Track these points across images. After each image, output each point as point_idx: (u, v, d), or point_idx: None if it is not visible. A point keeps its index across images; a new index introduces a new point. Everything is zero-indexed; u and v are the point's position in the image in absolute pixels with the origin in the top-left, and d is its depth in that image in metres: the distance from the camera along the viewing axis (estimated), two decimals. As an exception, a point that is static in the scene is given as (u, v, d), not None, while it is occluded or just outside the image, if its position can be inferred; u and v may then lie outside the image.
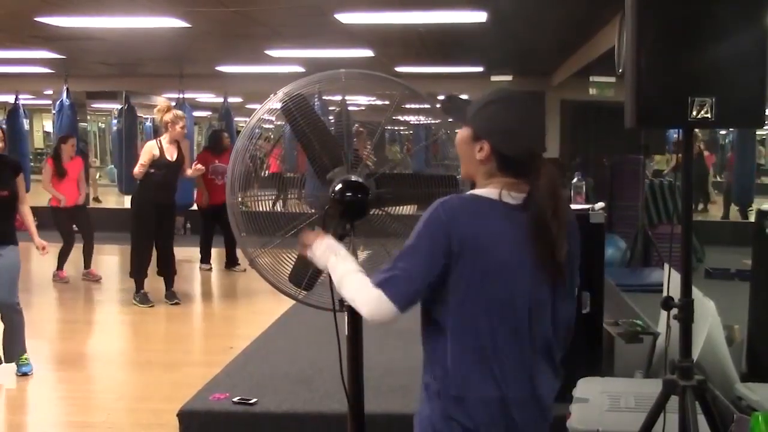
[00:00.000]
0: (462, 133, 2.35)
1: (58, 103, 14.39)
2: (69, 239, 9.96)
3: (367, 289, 2.26)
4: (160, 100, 19.83)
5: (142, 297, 8.59)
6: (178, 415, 4.70)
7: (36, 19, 8.13)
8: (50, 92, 15.72)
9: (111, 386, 6.13)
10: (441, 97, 2.62)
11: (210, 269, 11.14)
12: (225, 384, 5.14)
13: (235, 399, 4.78)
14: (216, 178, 10.39)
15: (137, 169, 8.16)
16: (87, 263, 10.14)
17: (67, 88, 14.23)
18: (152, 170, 8.13)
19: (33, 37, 9.60)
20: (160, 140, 8.29)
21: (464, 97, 2.61)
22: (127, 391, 5.99)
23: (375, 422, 3.66)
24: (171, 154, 8.25)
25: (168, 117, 8.22)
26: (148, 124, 22.57)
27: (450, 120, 3.25)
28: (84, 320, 8.42)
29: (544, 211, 2.19)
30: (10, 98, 15.95)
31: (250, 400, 4.75)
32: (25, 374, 6.17)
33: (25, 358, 6.22)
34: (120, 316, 8.40)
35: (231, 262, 10.97)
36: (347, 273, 2.39)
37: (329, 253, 2.52)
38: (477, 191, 2.31)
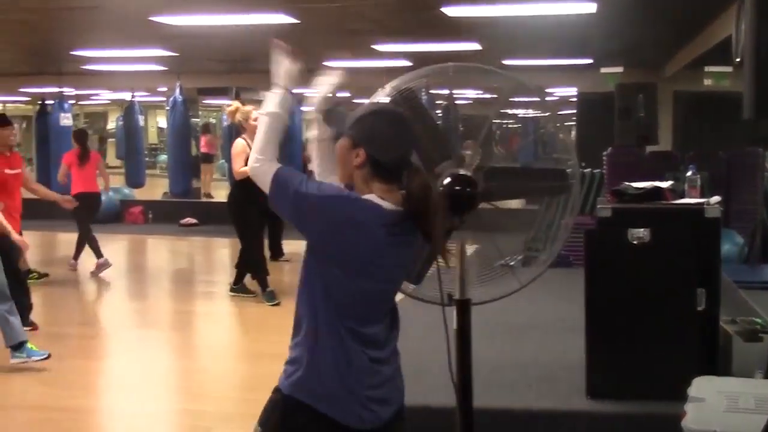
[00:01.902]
0: (342, 141, 2.57)
1: (171, 99, 14.78)
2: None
3: (269, 164, 2.53)
4: (244, 105, 20.18)
5: (269, 295, 8.37)
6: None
7: (150, 18, 8.36)
8: (164, 89, 16.16)
9: (223, 376, 6.27)
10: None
11: (287, 260, 11.13)
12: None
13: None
14: None
15: (242, 170, 7.81)
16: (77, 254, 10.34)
17: (180, 85, 14.61)
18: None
19: (148, 36, 9.88)
20: (245, 138, 8.27)
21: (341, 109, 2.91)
22: (238, 381, 6.11)
23: (483, 417, 3.64)
24: None
25: (239, 116, 8.21)
26: (258, 119, 23.00)
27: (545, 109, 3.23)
28: (197, 311, 8.63)
29: (423, 208, 2.43)
30: (127, 95, 16.50)
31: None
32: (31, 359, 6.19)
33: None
34: (232, 308, 8.58)
35: (276, 254, 10.94)
36: (268, 121, 2.63)
37: (276, 98, 2.69)
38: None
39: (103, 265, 10.17)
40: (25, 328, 7.06)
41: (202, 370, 6.49)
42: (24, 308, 7.11)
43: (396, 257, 2.55)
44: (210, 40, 10.22)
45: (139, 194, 16.01)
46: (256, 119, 8.02)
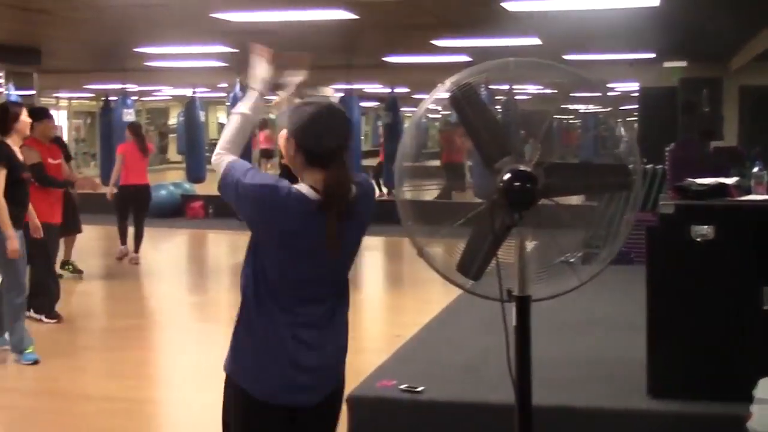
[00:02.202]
0: (282, 133, 2.79)
1: (231, 95, 14.93)
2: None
3: (227, 156, 2.76)
4: (329, 91, 20.25)
5: None
6: (346, 401, 4.77)
7: (211, 15, 8.45)
8: (224, 85, 16.33)
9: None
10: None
11: None
12: (392, 371, 5.19)
13: (402, 386, 4.82)
14: None
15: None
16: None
17: (240, 81, 14.74)
18: None
19: (209, 32, 9.99)
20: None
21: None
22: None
23: (542, 415, 3.62)
24: None
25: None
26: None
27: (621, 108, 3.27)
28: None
29: (328, 200, 2.61)
30: (188, 92, 16.70)
31: (417, 388, 4.79)
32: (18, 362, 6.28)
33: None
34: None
35: None
36: (236, 119, 2.87)
37: (249, 101, 2.93)
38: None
39: (122, 253, 10.67)
40: (50, 321, 7.39)
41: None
42: (51, 298, 7.41)
43: (324, 243, 2.64)
44: (270, 36, 10.30)
45: (199, 189, 16.19)
46: None
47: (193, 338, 7.48)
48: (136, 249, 10.70)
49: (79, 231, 9.43)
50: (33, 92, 13.63)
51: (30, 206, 6.39)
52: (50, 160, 7.29)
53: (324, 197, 2.62)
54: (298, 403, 2.76)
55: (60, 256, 8.60)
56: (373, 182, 17.05)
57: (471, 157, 15.04)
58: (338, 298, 2.86)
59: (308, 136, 2.70)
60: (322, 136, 2.69)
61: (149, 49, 11.99)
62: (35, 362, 6.23)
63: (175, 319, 8.32)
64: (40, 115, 7.45)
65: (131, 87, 16.21)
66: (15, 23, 9.56)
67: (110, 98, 16.29)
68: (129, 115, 14.93)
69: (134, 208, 10.65)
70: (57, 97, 25.53)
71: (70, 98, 26.34)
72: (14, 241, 5.98)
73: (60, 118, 26.98)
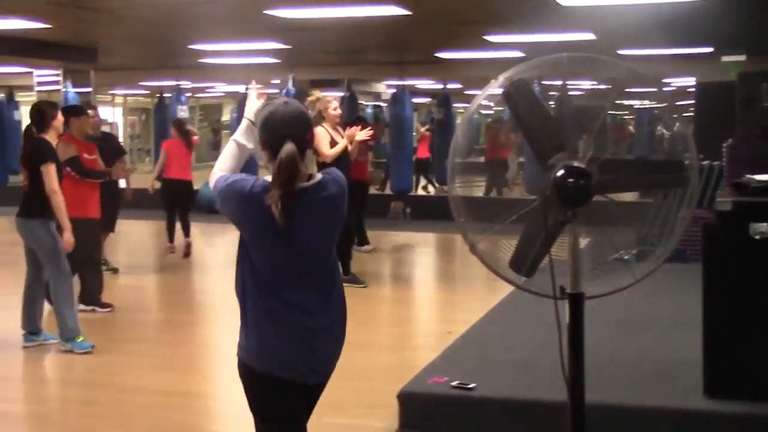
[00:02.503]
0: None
1: (284, 91, 15.01)
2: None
3: (218, 175, 3.00)
4: (382, 87, 20.29)
5: (352, 278, 8.70)
6: (398, 397, 4.79)
7: (265, 12, 8.51)
8: (277, 81, 16.43)
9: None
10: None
11: (371, 250, 11.28)
12: (443, 368, 5.18)
13: (453, 383, 4.81)
14: (358, 156, 10.52)
15: (330, 153, 8.05)
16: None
17: (293, 77, 14.82)
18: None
19: (262, 29, 10.05)
20: (324, 126, 8.30)
21: None
22: (349, 371, 6.16)
23: (595, 413, 3.58)
24: (337, 139, 8.28)
25: (320, 105, 8.33)
26: (369, 111, 23.13)
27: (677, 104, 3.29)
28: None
29: (276, 175, 2.79)
30: (241, 88, 16.82)
31: (469, 384, 4.77)
32: (72, 351, 6.43)
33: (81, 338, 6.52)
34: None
35: (360, 242, 11.12)
36: (232, 146, 3.11)
37: (244, 127, 3.12)
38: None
39: (170, 250, 11.01)
40: (102, 310, 7.72)
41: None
42: (92, 289, 7.70)
43: (299, 227, 2.85)
44: (323, 32, 10.33)
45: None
46: (335, 108, 8.16)
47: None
48: (186, 234, 10.96)
49: (111, 231, 9.58)
50: (89, 89, 13.86)
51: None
52: (86, 156, 7.44)
53: (274, 175, 2.81)
54: (298, 381, 3.01)
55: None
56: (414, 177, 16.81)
57: (523, 153, 14.96)
58: (326, 284, 3.04)
59: (266, 132, 2.92)
60: (277, 131, 2.89)
61: (203, 46, 12.11)
62: (89, 350, 6.37)
63: (226, 314, 8.39)
64: (78, 112, 7.62)
65: (185, 84, 16.39)
66: (72, 22, 9.73)
67: (165, 95, 16.49)
68: (183, 112, 15.11)
69: (177, 203, 10.90)
70: (113, 94, 25.91)
71: (125, 95, 26.70)
72: (70, 233, 6.21)
73: (115, 115, 27.40)
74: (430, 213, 14.05)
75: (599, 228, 3.22)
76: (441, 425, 4.72)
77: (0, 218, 12.54)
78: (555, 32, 10.09)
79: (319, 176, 2.94)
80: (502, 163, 17.22)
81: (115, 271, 9.83)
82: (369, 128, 10.83)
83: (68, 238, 6.23)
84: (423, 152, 17.71)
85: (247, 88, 3.26)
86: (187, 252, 10.86)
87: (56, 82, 13.25)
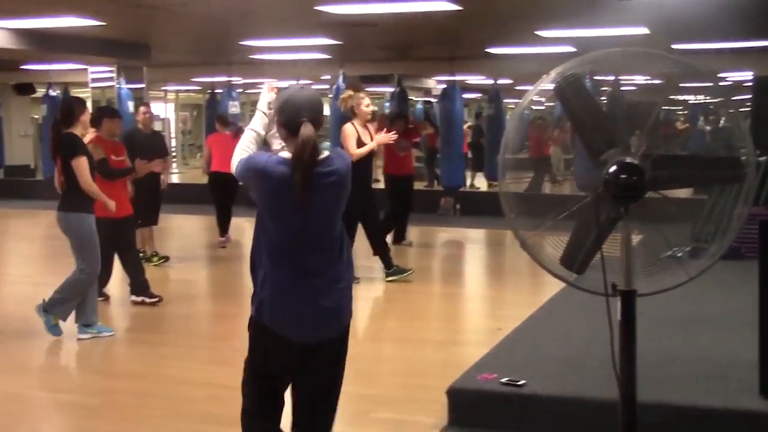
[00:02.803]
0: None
1: (334, 87, 15.05)
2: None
3: (237, 159, 3.39)
4: (432, 83, 20.25)
5: (396, 269, 8.81)
6: (447, 393, 4.78)
7: (315, 8, 8.54)
8: (327, 77, 16.48)
9: (385, 360, 6.35)
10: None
11: (410, 244, 11.34)
12: (493, 364, 5.16)
13: (503, 380, 4.79)
14: (399, 151, 10.91)
15: (357, 152, 8.08)
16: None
17: (343, 73, 14.85)
18: None
19: (313, 25, 10.09)
20: (354, 123, 8.34)
21: None
22: (399, 366, 6.18)
23: (646, 412, 3.54)
24: (365, 137, 8.33)
25: (351, 102, 8.34)
26: (419, 106, 23.09)
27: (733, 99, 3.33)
28: (359, 296, 8.78)
29: (296, 155, 3.16)
30: (292, 84, 16.91)
31: (518, 381, 4.75)
32: (103, 335, 6.72)
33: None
34: (393, 293, 8.69)
35: (400, 237, 11.24)
36: (250, 133, 3.50)
37: (258, 117, 3.51)
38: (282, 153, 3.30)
39: (222, 243, 11.29)
40: (151, 300, 7.92)
41: (363, 354, 6.60)
42: (138, 280, 7.93)
43: (310, 199, 3.18)
44: (374, 28, 10.34)
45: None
46: (368, 105, 8.19)
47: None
48: (223, 232, 11.31)
49: (154, 223, 9.88)
50: (142, 86, 14.05)
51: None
52: (113, 157, 7.57)
53: (292, 159, 3.17)
54: (309, 340, 3.32)
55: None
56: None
57: (570, 150, 14.85)
58: (333, 251, 3.35)
59: (284, 113, 3.29)
60: (294, 111, 3.25)
61: (254, 43, 12.20)
62: (94, 336, 6.66)
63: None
64: (112, 114, 7.82)
65: (236, 80, 16.51)
66: (127, 19, 9.86)
67: (216, 91, 16.63)
68: (234, 107, 15.22)
69: (222, 195, 11.20)
70: (165, 90, 26.19)
71: (177, 91, 26.99)
72: (111, 202, 6.58)
73: (167, 111, 27.71)
74: (480, 209, 14.01)
75: (652, 225, 3.19)
76: (490, 422, 4.71)
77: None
78: (608, 27, 9.99)
79: (326, 152, 3.28)
80: (546, 159, 17.09)
81: (166, 259, 10.01)
82: (409, 125, 10.93)
83: (111, 207, 6.60)
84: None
85: (264, 87, 3.62)
86: (222, 245, 11.30)
87: (110, 79, 13.45)
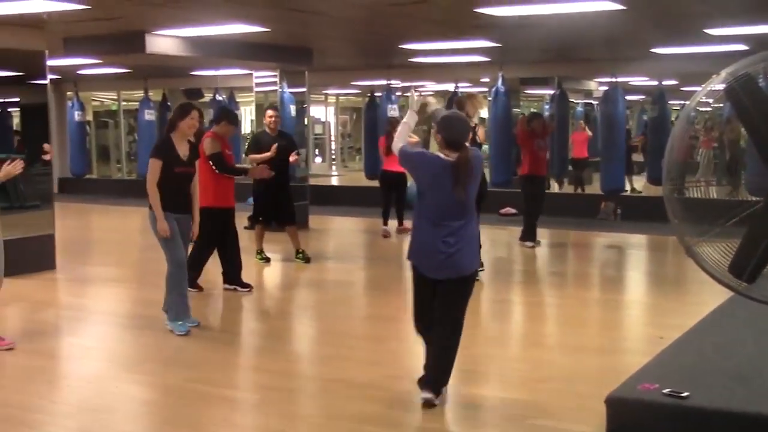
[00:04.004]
0: (433, 129, 5.13)
1: (493, 90, 14.98)
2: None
3: (399, 145, 5.20)
4: (593, 85, 19.86)
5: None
6: (606, 402, 4.66)
7: (476, 10, 8.51)
8: (486, 79, 16.42)
9: (540, 366, 6.26)
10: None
11: (533, 246, 11.35)
12: (655, 374, 5.00)
13: (665, 390, 4.62)
14: (539, 151, 11.21)
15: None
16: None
17: (502, 75, 14.76)
18: None
19: (473, 27, 10.07)
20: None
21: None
22: (555, 372, 6.08)
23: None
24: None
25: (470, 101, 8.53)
26: (579, 109, 22.68)
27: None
28: (514, 300, 8.70)
29: (457, 165, 4.95)
30: (450, 87, 16.95)
31: (682, 393, 4.57)
32: (172, 331, 6.90)
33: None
34: (550, 299, 8.56)
35: (529, 236, 11.45)
36: (405, 126, 5.33)
37: (408, 115, 5.34)
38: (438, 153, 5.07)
39: (385, 232, 12.46)
40: (243, 290, 8.59)
41: (517, 358, 6.53)
42: (231, 270, 8.62)
43: (451, 182, 4.95)
44: (534, 29, 10.23)
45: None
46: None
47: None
48: (400, 223, 12.47)
49: (284, 223, 10.28)
50: (304, 89, 14.39)
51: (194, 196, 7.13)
52: (226, 152, 8.34)
53: (455, 164, 4.94)
54: (441, 276, 5.08)
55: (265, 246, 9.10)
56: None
57: (732, 151, 14.27)
58: (469, 218, 5.12)
59: (446, 130, 5.06)
60: (455, 134, 5.06)
61: (414, 46, 12.28)
62: (184, 333, 6.85)
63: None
64: (233, 119, 8.57)
65: (395, 83, 16.68)
66: (290, 25, 10.12)
67: (375, 94, 16.84)
68: (393, 111, 15.38)
69: (394, 193, 12.34)
70: (325, 94, 26.75)
71: (337, 95, 27.51)
72: (162, 223, 6.72)
73: (328, 114, 28.30)
74: (642, 213, 13.62)
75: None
76: (650, 433, 4.56)
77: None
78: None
79: (470, 150, 5.04)
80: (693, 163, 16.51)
81: (267, 260, 10.37)
82: (544, 124, 11.03)
83: (161, 227, 6.75)
84: (580, 151, 17.24)
85: (412, 89, 5.32)
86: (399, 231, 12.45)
87: (273, 83, 13.84)
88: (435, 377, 5.14)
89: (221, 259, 8.56)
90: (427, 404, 5.09)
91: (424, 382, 5.15)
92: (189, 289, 7.81)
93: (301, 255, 10.31)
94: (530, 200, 11.31)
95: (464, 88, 17.71)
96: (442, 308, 5.12)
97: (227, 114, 8.51)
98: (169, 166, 6.77)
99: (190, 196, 7.01)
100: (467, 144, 5.08)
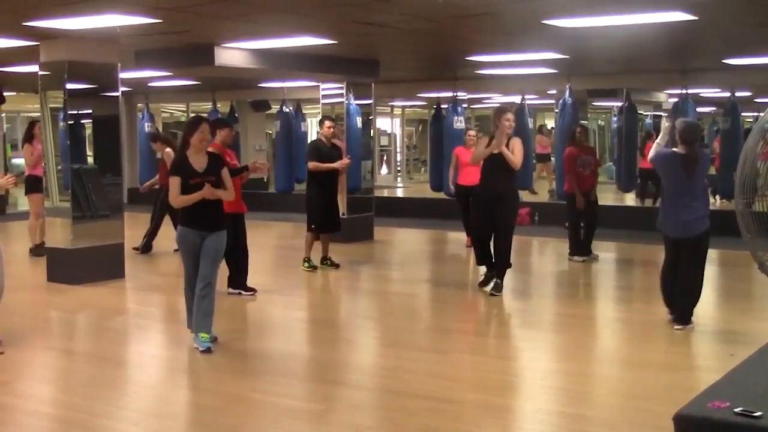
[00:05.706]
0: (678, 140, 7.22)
1: (560, 101, 14.85)
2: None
3: (656, 148, 7.75)
4: (662, 96, 19.57)
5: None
6: (674, 419, 4.55)
7: (543, 21, 8.45)
8: (553, 91, 16.30)
9: (606, 382, 6.17)
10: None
11: (582, 261, 11.29)
12: (726, 392, 4.86)
13: (737, 409, 4.50)
14: (584, 170, 11.11)
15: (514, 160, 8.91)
16: None
17: (570, 87, 14.63)
18: None
19: (540, 39, 10.00)
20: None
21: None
22: (620, 388, 5.98)
23: None
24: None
25: (498, 122, 8.82)
26: (648, 121, 22.36)
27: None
28: (579, 314, 8.59)
29: (687, 156, 7.04)
30: (517, 99, 16.86)
31: (755, 413, 4.45)
32: (198, 348, 6.75)
33: (205, 336, 6.79)
34: (617, 313, 8.45)
35: (582, 251, 11.40)
36: (660, 138, 7.77)
37: (663, 129, 7.61)
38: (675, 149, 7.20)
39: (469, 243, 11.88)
40: (247, 293, 8.86)
41: (583, 373, 6.44)
42: (236, 274, 8.91)
43: (686, 170, 7.02)
44: (602, 41, 10.12)
45: (526, 196, 16.28)
46: (508, 119, 8.87)
47: (515, 344, 7.55)
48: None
49: (331, 231, 10.56)
50: (370, 101, 14.43)
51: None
52: (228, 160, 8.28)
53: (685, 154, 7.00)
54: (680, 236, 7.11)
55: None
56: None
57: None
58: (699, 195, 7.06)
59: (686, 133, 6.97)
60: (690, 137, 7.00)
61: (480, 58, 12.24)
62: (207, 350, 6.74)
63: (498, 324, 8.43)
64: (223, 125, 8.61)
65: (461, 95, 16.64)
66: (357, 38, 10.17)
67: (441, 106, 16.83)
68: (459, 122, 15.34)
69: (464, 207, 11.84)
70: (391, 105, 26.82)
71: (403, 107, 27.56)
72: (198, 194, 6.71)
73: (394, 126, 28.36)
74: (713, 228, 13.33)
75: None
76: (721, 453, 4.44)
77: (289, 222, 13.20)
78: None
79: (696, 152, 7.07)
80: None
81: (314, 269, 10.53)
82: (580, 131, 11.05)
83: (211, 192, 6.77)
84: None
85: (673, 118, 7.33)
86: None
87: (340, 95, 13.91)
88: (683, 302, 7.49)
89: (228, 265, 8.75)
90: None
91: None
92: (243, 292, 8.45)
93: (328, 261, 10.64)
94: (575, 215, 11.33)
95: (531, 100, 17.61)
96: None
97: (216, 123, 8.46)
98: (186, 181, 6.81)
99: (218, 211, 6.96)
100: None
